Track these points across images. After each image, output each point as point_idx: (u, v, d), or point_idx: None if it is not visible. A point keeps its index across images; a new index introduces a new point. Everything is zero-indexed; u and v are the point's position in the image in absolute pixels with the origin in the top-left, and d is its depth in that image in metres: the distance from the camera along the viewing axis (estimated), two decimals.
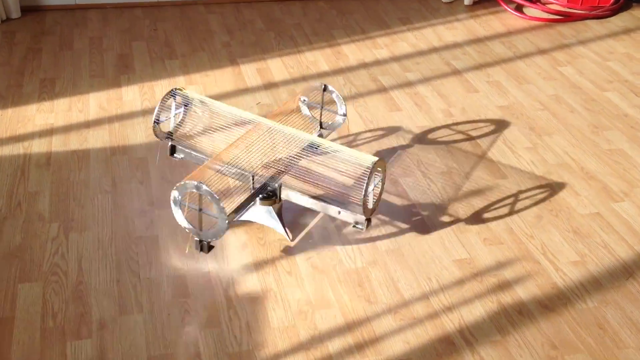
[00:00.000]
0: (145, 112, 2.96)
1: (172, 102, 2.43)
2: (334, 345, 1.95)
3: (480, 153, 2.80)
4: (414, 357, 1.93)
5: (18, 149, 2.69)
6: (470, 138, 2.89)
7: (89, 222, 2.35)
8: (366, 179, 2.10)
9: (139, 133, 2.82)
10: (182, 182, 2.06)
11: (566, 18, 3.99)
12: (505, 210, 2.50)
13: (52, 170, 2.58)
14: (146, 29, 3.67)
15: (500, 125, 2.99)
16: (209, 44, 3.55)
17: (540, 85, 3.32)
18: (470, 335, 1.99)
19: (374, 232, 2.37)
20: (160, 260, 2.21)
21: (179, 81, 3.21)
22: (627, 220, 2.47)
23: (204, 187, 2.02)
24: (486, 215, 2.47)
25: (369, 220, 2.18)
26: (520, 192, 2.59)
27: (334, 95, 2.58)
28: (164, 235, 2.31)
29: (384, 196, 2.53)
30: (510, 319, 2.05)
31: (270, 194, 2.30)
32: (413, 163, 2.72)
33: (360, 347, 1.95)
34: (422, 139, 2.87)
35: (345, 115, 2.58)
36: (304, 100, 2.59)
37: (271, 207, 2.32)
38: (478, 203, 2.52)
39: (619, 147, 2.88)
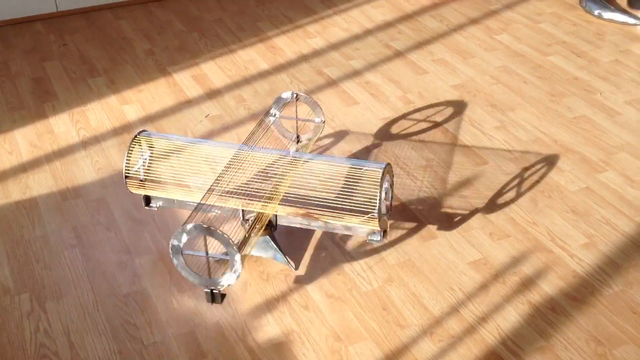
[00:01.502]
0: (86, 144, 2.64)
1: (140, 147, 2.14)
2: None
3: (452, 139, 2.70)
4: None
5: None
6: (438, 124, 2.78)
7: (64, 287, 2.05)
8: (378, 187, 1.94)
9: (86, 169, 2.51)
10: (187, 227, 1.82)
11: None
12: (499, 199, 2.41)
13: (0, 229, 2.24)
14: (54, 46, 3.29)
15: (461, 107, 2.89)
16: (130, 55, 3.23)
17: (484, 57, 3.25)
18: (514, 346, 1.89)
19: (378, 245, 2.21)
20: (160, 318, 1.96)
21: (111, 101, 2.89)
22: (616, 190, 2.45)
23: (217, 231, 1.79)
24: (483, 207, 2.37)
25: (385, 231, 2.03)
26: (506, 177, 2.51)
27: (304, 100, 2.36)
28: (154, 287, 2.05)
29: None
30: (547, 319, 1.97)
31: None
32: (391, 160, 2.58)
33: None
34: (389, 132, 2.73)
35: (323, 121, 2.37)
36: (275, 115, 2.36)
37: (268, 236, 2.12)
38: (470, 194, 2.42)
39: (582, 114, 2.85)
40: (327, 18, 3.59)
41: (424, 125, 2.77)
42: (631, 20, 3.51)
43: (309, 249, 2.20)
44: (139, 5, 3.66)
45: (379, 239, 2.02)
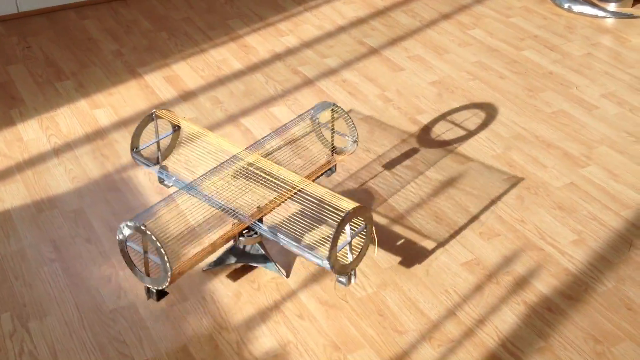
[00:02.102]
0: (58, 151, 2.54)
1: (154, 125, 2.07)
2: None
3: (434, 137, 2.67)
4: None
5: None
6: (419, 122, 2.75)
7: (46, 304, 1.96)
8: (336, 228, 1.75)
9: (60, 178, 2.41)
10: (124, 223, 1.76)
11: None
12: (486, 197, 2.39)
13: None
14: (17, 48, 3.16)
15: (440, 104, 2.86)
16: (97, 56, 3.13)
17: (459, 53, 3.23)
18: (514, 347, 1.87)
19: (370, 249, 2.17)
20: (150, 333, 1.89)
21: (81, 106, 2.79)
22: (600, 185, 2.45)
23: (147, 231, 1.72)
24: (470, 206, 2.35)
25: (350, 275, 1.86)
26: (491, 174, 2.49)
27: (342, 116, 2.22)
28: (141, 301, 1.98)
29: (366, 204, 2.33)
30: (543, 318, 1.95)
31: (253, 231, 2.03)
32: (375, 161, 2.54)
33: None
34: (371, 131, 2.69)
35: (356, 141, 2.26)
36: (316, 119, 2.25)
37: (257, 244, 2.06)
38: (457, 194, 2.40)
39: (560, 109, 2.86)
40: (298, 15, 3.53)
41: (403, 123, 2.74)
42: (601, 13, 3.53)
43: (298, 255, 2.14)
44: (102, 5, 3.55)
45: (345, 283, 1.87)
